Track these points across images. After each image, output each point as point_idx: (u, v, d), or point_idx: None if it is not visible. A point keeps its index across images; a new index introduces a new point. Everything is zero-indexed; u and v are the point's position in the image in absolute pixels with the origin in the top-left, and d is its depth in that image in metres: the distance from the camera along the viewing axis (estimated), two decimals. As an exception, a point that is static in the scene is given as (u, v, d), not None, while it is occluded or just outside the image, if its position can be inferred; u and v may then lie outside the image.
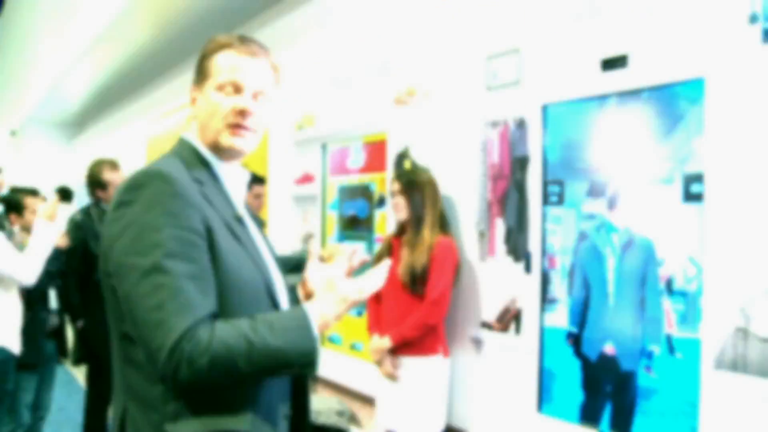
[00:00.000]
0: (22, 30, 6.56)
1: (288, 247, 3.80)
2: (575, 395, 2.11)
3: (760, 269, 1.61)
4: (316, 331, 1.05)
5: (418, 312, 2.36)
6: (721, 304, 1.69)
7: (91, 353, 3.27)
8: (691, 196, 1.79)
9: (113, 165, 3.34)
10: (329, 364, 3.30)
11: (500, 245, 2.38)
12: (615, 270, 1.99)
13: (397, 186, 2.50)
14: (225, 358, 0.97)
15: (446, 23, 2.65)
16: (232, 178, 1.21)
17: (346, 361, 3.37)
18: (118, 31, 4.69)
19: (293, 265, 2.05)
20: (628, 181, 1.96)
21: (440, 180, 2.53)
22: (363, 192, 3.37)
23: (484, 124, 2.44)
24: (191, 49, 4.56)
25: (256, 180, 3.35)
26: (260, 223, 1.33)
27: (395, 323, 2.41)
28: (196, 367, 0.95)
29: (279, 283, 1.21)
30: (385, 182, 3.09)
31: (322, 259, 1.32)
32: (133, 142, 6.75)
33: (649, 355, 1.88)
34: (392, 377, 2.42)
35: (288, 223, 3.87)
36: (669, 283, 1.83)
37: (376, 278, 1.12)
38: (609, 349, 2.01)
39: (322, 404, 3.07)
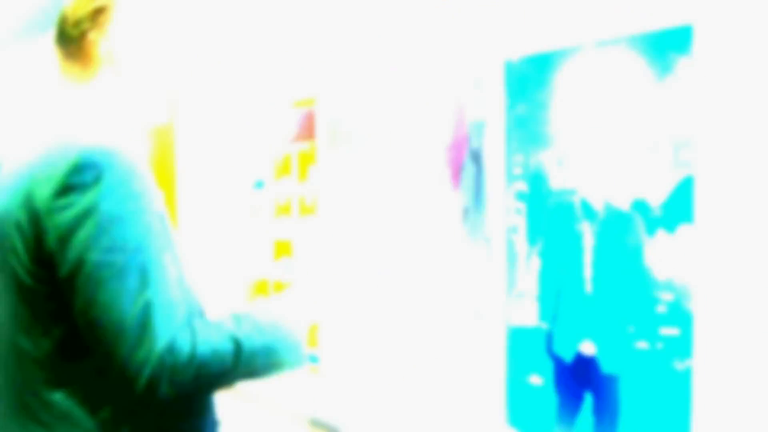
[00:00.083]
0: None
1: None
2: (548, 403, 1.82)
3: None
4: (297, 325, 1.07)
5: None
6: (716, 296, 1.41)
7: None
8: (680, 164, 1.50)
9: None
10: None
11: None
12: (593, 251, 1.70)
13: None
14: (212, 365, 0.94)
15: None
16: None
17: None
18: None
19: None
20: (607, 149, 1.67)
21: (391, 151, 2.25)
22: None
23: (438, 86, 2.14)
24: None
25: None
26: None
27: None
28: (179, 380, 0.92)
29: None
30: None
31: None
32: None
33: (636, 355, 1.60)
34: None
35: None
36: (656, 268, 1.54)
37: None
38: (587, 347, 1.72)
39: None
